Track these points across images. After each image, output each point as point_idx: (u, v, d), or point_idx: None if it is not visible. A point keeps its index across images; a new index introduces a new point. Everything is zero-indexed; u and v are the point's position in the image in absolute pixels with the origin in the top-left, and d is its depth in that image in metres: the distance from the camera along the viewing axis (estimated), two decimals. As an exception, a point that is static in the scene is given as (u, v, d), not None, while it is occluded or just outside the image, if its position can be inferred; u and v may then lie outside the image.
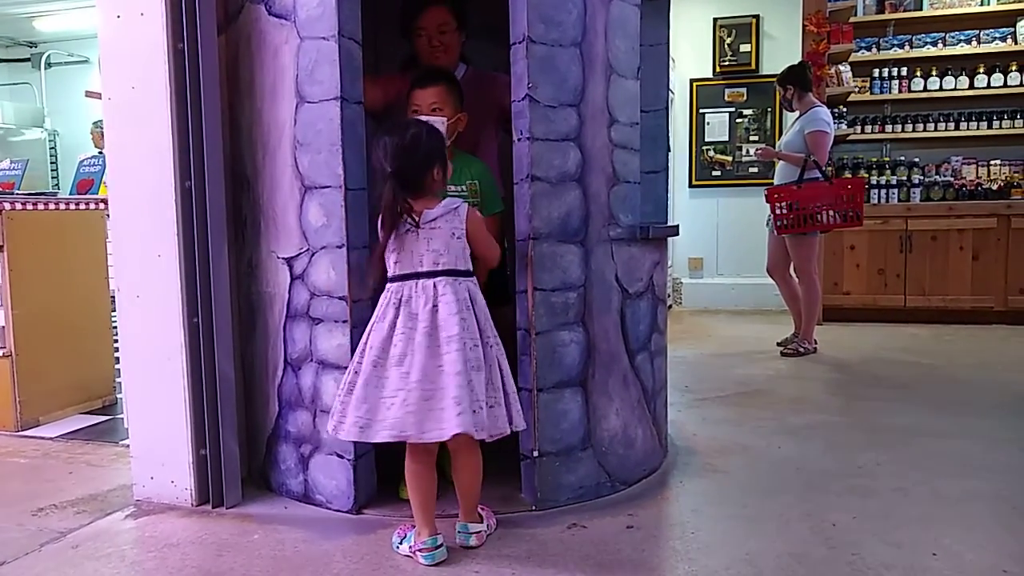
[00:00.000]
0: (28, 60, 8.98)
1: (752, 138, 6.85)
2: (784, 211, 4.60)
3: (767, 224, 5.00)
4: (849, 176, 5.86)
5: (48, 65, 8.87)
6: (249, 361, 2.65)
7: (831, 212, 4.56)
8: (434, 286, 2.05)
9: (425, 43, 2.60)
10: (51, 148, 8.63)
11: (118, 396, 3.71)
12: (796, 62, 5.21)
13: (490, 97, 2.62)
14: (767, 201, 4.71)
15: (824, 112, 4.77)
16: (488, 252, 2.23)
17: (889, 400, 3.71)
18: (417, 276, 2.07)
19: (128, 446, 2.61)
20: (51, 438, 3.32)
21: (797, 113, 4.86)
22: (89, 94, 7.75)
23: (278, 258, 2.48)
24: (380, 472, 2.47)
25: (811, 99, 4.81)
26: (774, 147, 5.23)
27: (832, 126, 4.78)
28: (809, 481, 2.64)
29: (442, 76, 2.45)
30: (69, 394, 3.66)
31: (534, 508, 2.37)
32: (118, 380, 3.48)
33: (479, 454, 2.15)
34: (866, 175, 6.09)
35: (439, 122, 2.24)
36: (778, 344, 4.98)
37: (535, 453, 2.36)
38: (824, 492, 2.54)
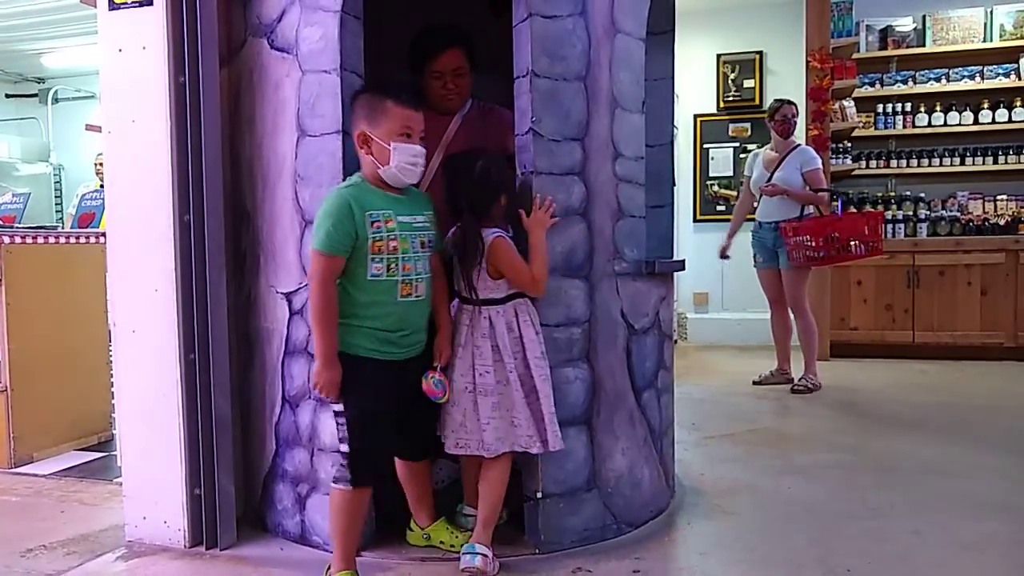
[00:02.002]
0: (36, 95, 9.05)
1: (756, 173, 6.83)
2: (820, 243, 4.55)
3: (755, 263, 5.09)
4: (854, 211, 5.81)
5: (55, 100, 8.93)
6: (246, 397, 2.59)
7: (859, 244, 4.55)
8: (460, 311, 2.22)
9: (440, 87, 2.54)
10: (56, 182, 8.65)
11: (114, 432, 3.65)
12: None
13: (495, 131, 2.59)
14: (805, 233, 4.57)
15: (811, 149, 4.94)
16: (515, 279, 2.19)
17: (900, 438, 3.63)
18: (462, 299, 2.24)
19: (122, 484, 2.55)
20: (44, 475, 3.26)
21: (775, 152, 4.90)
22: (89, 127, 7.78)
23: (277, 293, 2.44)
24: (379, 513, 2.40)
25: (793, 138, 4.93)
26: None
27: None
28: (821, 523, 2.57)
29: (422, 97, 2.37)
30: (64, 430, 3.60)
31: (537, 551, 2.30)
32: (114, 416, 3.42)
33: (499, 466, 2.19)
34: (871, 210, 6.05)
35: (419, 151, 2.09)
36: (754, 382, 4.99)
37: (539, 494, 2.29)
38: (837, 535, 2.46)
